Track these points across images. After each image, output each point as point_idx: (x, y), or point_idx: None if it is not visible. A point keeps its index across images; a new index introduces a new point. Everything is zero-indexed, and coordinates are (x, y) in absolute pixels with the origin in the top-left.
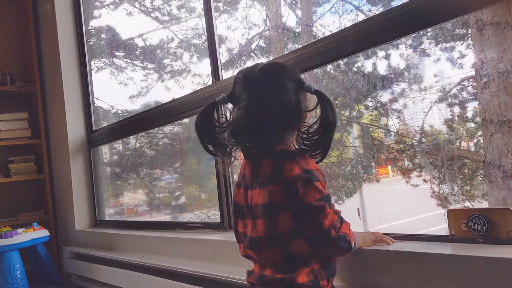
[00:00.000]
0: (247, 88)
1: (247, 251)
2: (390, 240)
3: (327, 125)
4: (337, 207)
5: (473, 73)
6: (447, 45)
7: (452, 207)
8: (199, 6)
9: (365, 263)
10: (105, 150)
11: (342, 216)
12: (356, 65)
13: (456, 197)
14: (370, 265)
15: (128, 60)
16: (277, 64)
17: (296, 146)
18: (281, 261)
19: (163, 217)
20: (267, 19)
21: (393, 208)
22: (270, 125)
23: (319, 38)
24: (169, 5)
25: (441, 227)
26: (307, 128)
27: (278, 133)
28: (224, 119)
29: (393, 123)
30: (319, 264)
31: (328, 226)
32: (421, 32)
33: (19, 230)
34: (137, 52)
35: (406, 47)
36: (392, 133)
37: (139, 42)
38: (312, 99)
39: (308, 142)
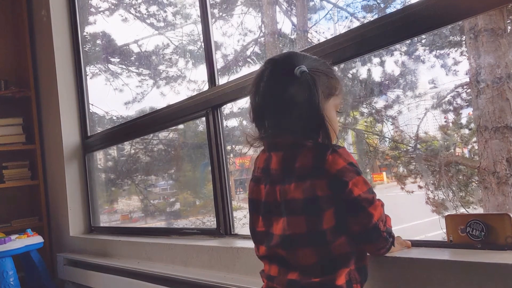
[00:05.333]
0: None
1: (276, 250)
2: (409, 244)
3: None
4: None
5: (468, 79)
6: (442, 51)
7: (447, 213)
8: (195, 13)
9: None
10: (99, 156)
11: None
12: (351, 71)
13: (451, 203)
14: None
15: (123, 66)
16: None
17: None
18: (315, 263)
19: (158, 223)
20: (263, 26)
21: (388, 214)
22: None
23: (314, 44)
24: (165, 12)
25: (437, 233)
26: None
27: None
28: None
29: (388, 129)
30: (355, 266)
31: (378, 219)
32: (416, 39)
33: (13, 237)
34: (133, 58)
35: (400, 54)
36: (387, 139)
37: (135, 48)
38: None
39: None
